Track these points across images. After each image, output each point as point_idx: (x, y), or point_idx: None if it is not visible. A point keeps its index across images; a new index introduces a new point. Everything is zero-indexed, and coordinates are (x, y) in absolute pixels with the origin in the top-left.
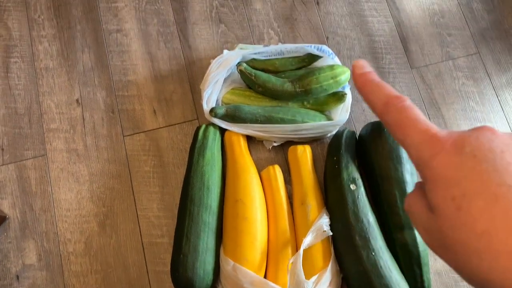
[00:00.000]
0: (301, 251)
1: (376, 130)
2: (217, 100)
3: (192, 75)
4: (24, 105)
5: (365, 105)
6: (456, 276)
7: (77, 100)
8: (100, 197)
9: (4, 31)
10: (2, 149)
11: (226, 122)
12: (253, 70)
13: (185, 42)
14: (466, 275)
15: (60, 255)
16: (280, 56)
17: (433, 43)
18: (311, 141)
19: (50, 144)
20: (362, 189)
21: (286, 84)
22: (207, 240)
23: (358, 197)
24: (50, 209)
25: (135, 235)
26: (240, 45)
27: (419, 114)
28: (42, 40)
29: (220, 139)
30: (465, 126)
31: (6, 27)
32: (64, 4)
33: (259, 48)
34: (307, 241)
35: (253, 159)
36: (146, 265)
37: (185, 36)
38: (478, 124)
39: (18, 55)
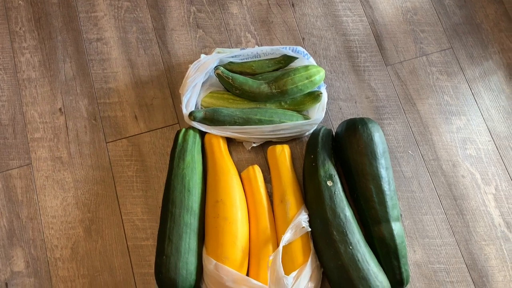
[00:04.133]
0: (280, 247)
1: (351, 128)
2: (196, 104)
3: (171, 80)
4: (8, 116)
5: (341, 103)
6: (436, 266)
7: (60, 109)
8: (85, 203)
9: None
10: None
11: (205, 125)
12: (230, 73)
13: (164, 48)
14: None
15: (48, 261)
16: (256, 59)
17: (407, 40)
18: (290, 140)
19: (35, 153)
20: (339, 185)
21: (262, 86)
22: (189, 241)
23: (335, 193)
24: (36, 216)
25: (120, 238)
26: (218, 49)
27: None
28: (24, 52)
29: (200, 142)
30: (440, 120)
31: None
32: (45, 16)
33: (236, 51)
34: (286, 237)
35: (234, 160)
36: (132, 268)
37: (164, 42)
38: (453, 118)
39: (1, 67)
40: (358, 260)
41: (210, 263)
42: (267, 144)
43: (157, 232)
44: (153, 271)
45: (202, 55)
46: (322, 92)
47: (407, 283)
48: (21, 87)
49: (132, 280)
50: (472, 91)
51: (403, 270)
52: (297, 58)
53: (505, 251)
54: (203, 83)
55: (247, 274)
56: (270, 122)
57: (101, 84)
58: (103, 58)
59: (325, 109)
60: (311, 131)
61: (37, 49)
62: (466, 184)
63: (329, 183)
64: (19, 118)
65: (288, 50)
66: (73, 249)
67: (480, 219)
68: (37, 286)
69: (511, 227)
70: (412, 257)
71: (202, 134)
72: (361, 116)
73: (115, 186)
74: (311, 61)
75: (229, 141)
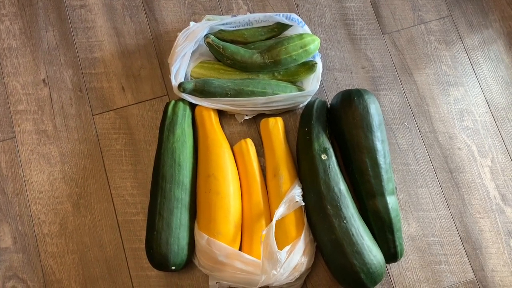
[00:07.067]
0: (273, 222)
1: (346, 99)
2: (185, 75)
3: (160, 49)
4: None
5: (337, 74)
6: (430, 239)
7: (43, 80)
8: (72, 177)
9: None
10: None
11: (195, 97)
12: (221, 42)
13: (151, 15)
14: None
15: (36, 237)
16: (248, 27)
17: (404, 7)
18: (284, 112)
19: (19, 126)
20: (333, 159)
21: (255, 55)
22: (180, 216)
23: (329, 167)
24: (22, 192)
25: (110, 213)
26: (208, 16)
27: None
28: (3, 19)
29: (190, 114)
30: (437, 91)
31: None
32: None
33: (227, 18)
34: (279, 212)
35: (225, 134)
36: (122, 243)
37: (151, 9)
38: (451, 89)
39: None
40: (352, 234)
41: (202, 238)
42: (260, 116)
43: (147, 207)
44: (144, 246)
45: (192, 23)
46: (317, 62)
47: (401, 257)
48: (2, 57)
49: (123, 256)
50: (471, 60)
51: (397, 243)
52: (291, 26)
53: (499, 224)
54: (193, 53)
55: (240, 249)
56: (263, 93)
57: (86, 54)
58: (87, 26)
59: (319, 80)
60: (305, 103)
61: (17, 16)
62: (462, 156)
63: (323, 156)
64: (1, 90)
65: (281, 17)
66: (62, 224)
67: (475, 192)
68: (25, 262)
69: (506, 200)
70: (407, 230)
71: (193, 106)
72: (357, 87)
73: (103, 160)
74: (306, 29)
75: (221, 113)
